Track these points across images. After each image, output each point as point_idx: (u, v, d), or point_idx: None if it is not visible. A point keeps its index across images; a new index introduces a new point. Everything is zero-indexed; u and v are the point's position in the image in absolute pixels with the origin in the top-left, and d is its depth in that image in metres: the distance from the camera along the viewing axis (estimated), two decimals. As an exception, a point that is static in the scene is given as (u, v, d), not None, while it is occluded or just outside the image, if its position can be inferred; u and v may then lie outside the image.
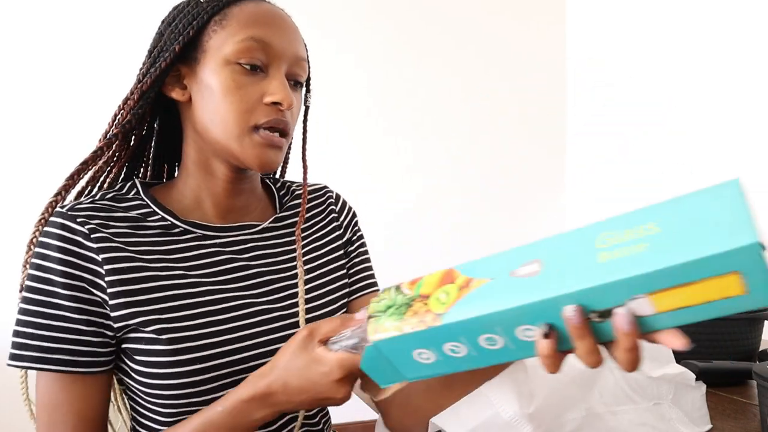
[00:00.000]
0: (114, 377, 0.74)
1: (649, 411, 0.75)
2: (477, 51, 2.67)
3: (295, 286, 0.75)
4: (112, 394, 0.76)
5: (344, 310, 0.81)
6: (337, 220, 0.85)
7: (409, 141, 2.58)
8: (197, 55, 0.70)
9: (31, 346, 0.64)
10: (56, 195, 0.72)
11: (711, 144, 2.09)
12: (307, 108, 0.82)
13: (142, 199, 0.73)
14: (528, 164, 2.76)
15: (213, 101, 0.69)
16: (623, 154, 2.49)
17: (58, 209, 0.68)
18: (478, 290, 0.45)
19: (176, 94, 0.72)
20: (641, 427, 0.73)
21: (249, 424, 0.61)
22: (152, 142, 0.81)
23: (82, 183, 0.75)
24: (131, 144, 0.78)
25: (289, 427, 0.74)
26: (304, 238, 0.81)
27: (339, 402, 0.58)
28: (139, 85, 0.71)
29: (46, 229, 0.67)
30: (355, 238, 0.87)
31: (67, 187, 0.72)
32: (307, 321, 0.74)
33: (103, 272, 0.65)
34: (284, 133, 0.71)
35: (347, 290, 0.83)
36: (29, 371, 0.69)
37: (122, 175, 0.79)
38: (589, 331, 0.41)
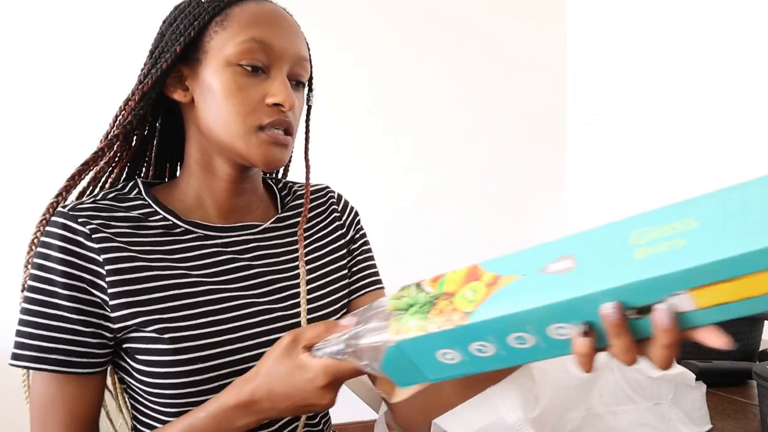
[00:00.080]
0: (115, 376, 0.75)
1: (649, 411, 0.76)
2: (477, 50, 2.67)
3: (297, 286, 0.75)
4: (114, 392, 0.76)
5: (345, 310, 0.81)
6: (340, 219, 0.85)
7: (409, 140, 2.58)
8: (199, 56, 0.70)
9: (30, 345, 0.65)
10: (57, 195, 0.72)
11: (711, 144, 2.09)
12: (309, 107, 0.82)
13: (144, 199, 0.73)
14: (528, 163, 2.76)
15: (215, 103, 0.69)
16: (623, 153, 2.49)
17: (59, 209, 0.68)
18: (507, 287, 0.43)
19: (178, 96, 0.72)
20: (641, 427, 0.73)
21: (232, 431, 0.60)
22: (154, 142, 0.81)
23: (85, 183, 0.75)
24: (133, 144, 0.78)
25: (290, 428, 0.74)
26: (305, 238, 0.81)
27: (324, 408, 0.57)
28: (140, 86, 0.71)
29: (47, 229, 0.67)
30: (358, 236, 0.87)
31: (68, 188, 0.72)
32: (309, 321, 0.74)
33: (104, 273, 0.66)
34: (288, 131, 0.71)
35: (349, 290, 0.83)
36: (31, 371, 0.69)
37: (124, 175, 0.79)
38: (627, 328, 0.40)
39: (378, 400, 0.92)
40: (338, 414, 0.90)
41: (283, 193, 0.85)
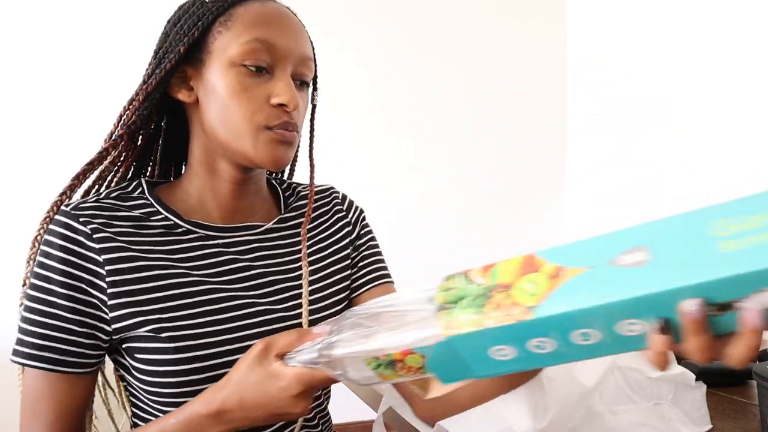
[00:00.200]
0: (116, 374, 0.75)
1: (649, 411, 0.76)
2: (478, 50, 2.68)
3: (299, 287, 0.75)
4: (116, 391, 0.77)
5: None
6: (346, 218, 0.85)
7: (411, 140, 2.59)
8: (202, 56, 0.70)
9: (27, 342, 0.66)
10: (62, 194, 0.72)
11: (711, 143, 2.09)
12: (314, 107, 0.82)
13: (147, 199, 0.73)
14: (528, 163, 2.77)
15: (219, 103, 0.69)
16: (623, 153, 2.49)
17: (62, 208, 0.68)
18: (574, 280, 0.41)
19: (183, 96, 0.72)
20: (641, 427, 0.74)
21: None
22: (160, 142, 0.81)
23: (90, 182, 0.75)
24: (138, 144, 0.78)
25: (290, 428, 0.74)
26: (308, 239, 0.80)
27: (297, 417, 0.57)
28: (144, 86, 0.71)
29: (50, 227, 0.67)
30: (363, 232, 0.86)
31: (72, 187, 0.73)
32: (311, 322, 0.73)
33: (104, 273, 0.66)
34: (293, 131, 0.71)
35: (356, 284, 0.82)
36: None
37: (130, 174, 0.79)
38: (707, 326, 0.38)
39: (378, 400, 0.92)
40: (338, 414, 0.90)
41: (287, 194, 0.84)
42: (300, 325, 0.73)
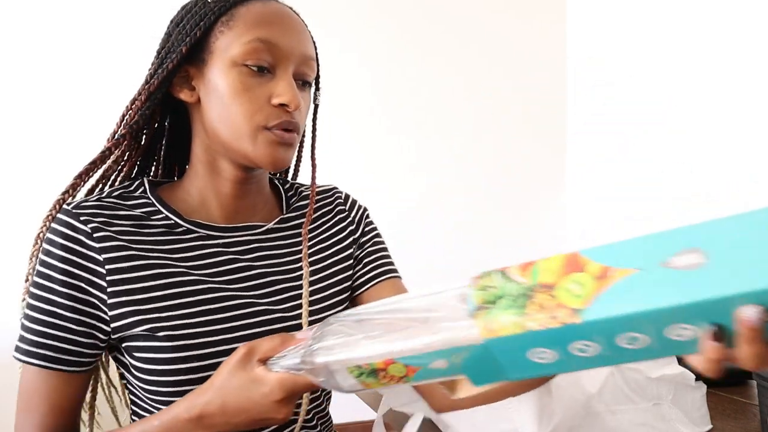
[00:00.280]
0: (118, 372, 0.75)
1: (649, 411, 0.76)
2: (479, 50, 2.68)
3: (299, 287, 0.75)
4: (120, 389, 0.77)
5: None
6: (348, 218, 0.85)
7: (412, 140, 2.59)
8: (204, 56, 0.70)
9: (27, 339, 0.66)
10: (64, 193, 0.72)
11: (711, 144, 2.09)
12: (316, 106, 0.82)
13: (148, 198, 0.73)
14: (529, 163, 2.77)
15: (221, 103, 0.69)
16: (623, 153, 2.49)
17: (64, 207, 0.69)
18: (624, 282, 0.39)
19: (185, 96, 0.72)
20: (641, 427, 0.74)
21: None
22: (163, 141, 0.81)
23: (93, 180, 0.75)
24: (141, 143, 0.78)
25: (289, 428, 0.74)
26: (310, 239, 0.80)
27: (279, 422, 0.57)
28: (146, 86, 0.72)
29: (52, 226, 0.68)
30: (368, 230, 0.86)
31: (75, 186, 0.73)
32: (311, 323, 0.73)
33: (104, 272, 0.66)
34: (294, 131, 0.71)
35: (361, 280, 0.82)
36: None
37: (133, 174, 0.79)
38: (764, 334, 0.36)
39: (378, 400, 0.92)
40: (338, 414, 0.90)
41: (289, 194, 0.84)
42: (300, 325, 0.73)
